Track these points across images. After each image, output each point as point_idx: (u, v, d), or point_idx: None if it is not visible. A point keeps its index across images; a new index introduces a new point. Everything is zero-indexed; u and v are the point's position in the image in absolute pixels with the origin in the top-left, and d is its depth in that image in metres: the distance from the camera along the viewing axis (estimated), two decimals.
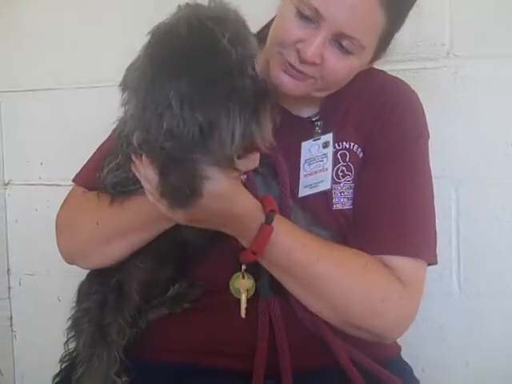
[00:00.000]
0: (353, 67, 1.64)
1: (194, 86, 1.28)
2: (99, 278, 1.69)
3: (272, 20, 1.73)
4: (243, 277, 1.63)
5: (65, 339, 1.74)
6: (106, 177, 1.58)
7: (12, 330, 2.85)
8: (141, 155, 1.41)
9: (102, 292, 1.66)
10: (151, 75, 1.31)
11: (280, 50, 1.62)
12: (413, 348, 1.87)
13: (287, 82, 1.63)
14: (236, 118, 1.31)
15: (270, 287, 1.63)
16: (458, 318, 2.18)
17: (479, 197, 2.14)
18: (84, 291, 1.72)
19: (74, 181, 1.89)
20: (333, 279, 1.57)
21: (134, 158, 1.45)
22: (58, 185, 2.65)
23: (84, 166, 1.92)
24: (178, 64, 1.29)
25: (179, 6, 1.38)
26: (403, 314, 1.63)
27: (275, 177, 1.62)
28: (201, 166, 1.35)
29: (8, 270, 2.82)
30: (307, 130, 1.76)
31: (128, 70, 1.42)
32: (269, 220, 1.50)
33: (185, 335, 1.71)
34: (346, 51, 1.57)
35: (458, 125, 2.11)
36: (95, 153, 1.89)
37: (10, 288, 2.83)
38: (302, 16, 1.57)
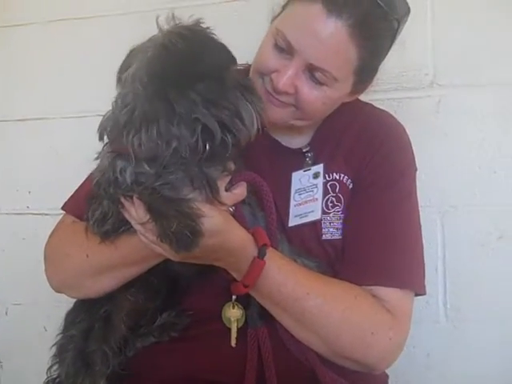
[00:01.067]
0: (329, 98, 1.66)
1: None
2: (86, 307, 1.68)
3: None
4: (233, 307, 1.64)
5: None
6: (93, 226, 1.58)
7: None
8: (131, 197, 1.42)
9: (89, 321, 1.65)
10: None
11: (259, 77, 1.68)
12: (400, 376, 1.87)
13: (269, 109, 1.65)
14: None
15: (259, 317, 1.64)
16: (444, 345, 2.18)
17: (464, 224, 2.16)
18: (70, 319, 1.72)
19: (63, 209, 1.89)
20: (323, 313, 1.57)
21: (123, 199, 1.46)
22: (46, 214, 2.65)
23: (73, 193, 1.91)
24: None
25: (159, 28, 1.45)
26: (392, 346, 1.64)
27: (262, 207, 1.63)
28: (194, 204, 1.38)
29: None
30: (298, 160, 1.79)
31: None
32: (261, 254, 1.51)
33: (173, 364, 1.71)
34: (318, 82, 1.61)
35: (441, 153, 2.14)
36: (85, 181, 1.89)
37: None
38: (278, 47, 1.63)
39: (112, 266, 1.61)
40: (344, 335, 1.58)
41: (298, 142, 1.82)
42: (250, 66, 1.78)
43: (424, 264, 1.73)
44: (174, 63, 1.37)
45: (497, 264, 2.14)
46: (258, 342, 1.62)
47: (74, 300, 1.76)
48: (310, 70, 1.60)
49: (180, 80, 1.38)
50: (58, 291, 1.80)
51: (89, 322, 1.65)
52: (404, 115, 1.97)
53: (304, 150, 1.80)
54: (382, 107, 1.97)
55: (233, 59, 1.48)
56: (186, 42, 1.38)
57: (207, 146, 1.40)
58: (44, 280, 2.53)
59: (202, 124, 1.39)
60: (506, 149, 2.12)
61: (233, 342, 1.62)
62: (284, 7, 1.70)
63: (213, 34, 1.45)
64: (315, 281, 1.60)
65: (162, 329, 1.73)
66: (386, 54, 1.71)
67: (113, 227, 1.54)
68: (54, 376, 1.73)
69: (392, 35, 1.67)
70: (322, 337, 1.59)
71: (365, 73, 1.68)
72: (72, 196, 1.91)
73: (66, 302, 1.76)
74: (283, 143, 1.81)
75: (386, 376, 1.84)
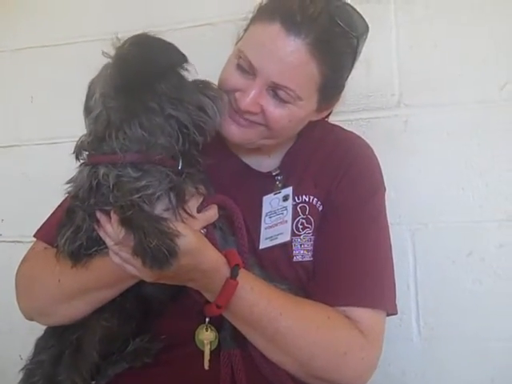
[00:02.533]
0: (295, 116, 1.68)
1: None
2: (58, 332, 1.66)
3: None
4: (207, 329, 1.63)
5: None
6: (63, 246, 1.56)
7: None
8: (108, 212, 1.43)
9: (59, 347, 1.63)
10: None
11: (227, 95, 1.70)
12: None
13: (234, 130, 1.69)
14: None
15: (232, 339, 1.64)
16: (419, 362, 2.19)
17: (434, 242, 2.18)
18: (41, 345, 1.70)
19: (35, 236, 1.87)
20: (296, 334, 1.58)
21: (99, 214, 1.47)
22: (19, 241, 2.63)
23: (45, 221, 1.90)
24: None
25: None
26: (365, 365, 1.65)
27: (233, 231, 1.64)
28: (172, 224, 1.39)
29: None
30: (268, 184, 1.80)
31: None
32: (234, 274, 1.51)
33: None
34: (282, 100, 1.63)
35: (410, 171, 2.17)
36: (57, 209, 1.89)
37: None
38: (241, 68, 1.66)
39: (85, 289, 1.60)
40: (317, 356, 1.59)
41: (267, 165, 1.84)
42: None
43: (395, 284, 1.74)
44: (134, 70, 1.45)
45: (467, 280, 2.16)
46: (232, 364, 1.63)
47: None
48: (273, 88, 1.62)
49: (143, 83, 1.46)
50: (29, 319, 1.78)
51: (59, 348, 1.63)
52: (372, 135, 1.99)
53: (274, 174, 1.81)
54: (350, 127, 2.02)
55: (184, 57, 1.53)
56: (139, 48, 1.46)
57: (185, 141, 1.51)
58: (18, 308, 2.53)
59: (176, 118, 1.49)
60: (472, 166, 2.15)
61: (206, 365, 1.61)
62: (246, 30, 1.73)
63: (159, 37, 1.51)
64: (288, 301, 1.61)
65: (134, 354, 1.72)
66: (349, 71, 1.73)
67: (86, 244, 1.53)
68: None
69: (353, 52, 1.69)
70: (296, 358, 1.59)
71: (328, 90, 1.70)
72: (44, 223, 1.90)
73: (41, 330, 1.74)
74: (253, 167, 1.83)
75: None
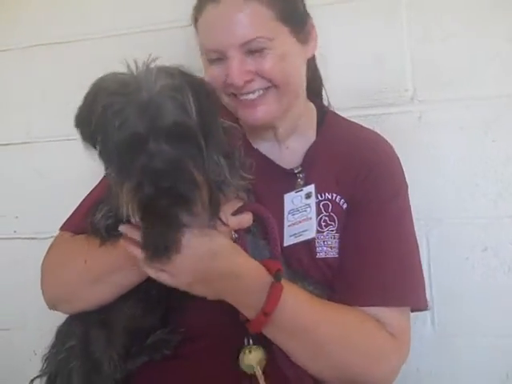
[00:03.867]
0: (283, 55, 1.71)
1: None
2: (81, 318, 1.67)
3: None
4: (250, 351, 1.60)
5: None
6: (99, 221, 1.54)
7: None
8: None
9: (85, 329, 1.64)
10: None
11: (226, 92, 1.75)
12: None
13: (255, 114, 1.73)
14: None
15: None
16: (433, 359, 2.18)
17: (449, 238, 2.17)
18: (64, 332, 1.70)
19: (61, 229, 1.87)
20: (335, 340, 1.59)
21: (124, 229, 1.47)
22: (34, 238, 2.65)
23: (71, 215, 1.90)
24: None
25: None
26: (396, 367, 1.68)
27: (264, 235, 1.64)
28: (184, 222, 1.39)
29: None
30: (290, 182, 1.81)
31: None
32: (278, 279, 1.51)
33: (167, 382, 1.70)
34: (259, 51, 1.68)
35: (424, 167, 2.16)
36: (83, 202, 1.89)
37: None
38: (214, 61, 1.73)
39: (111, 270, 1.60)
40: (354, 362, 1.61)
41: (288, 159, 1.85)
42: None
43: (423, 279, 1.77)
44: None
45: (482, 276, 2.15)
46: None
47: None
48: (246, 49, 1.68)
49: None
50: (52, 307, 1.78)
51: (86, 330, 1.63)
52: (385, 130, 1.98)
53: (296, 171, 1.82)
54: (363, 123, 2.00)
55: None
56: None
57: None
58: (32, 304, 2.54)
59: None
60: (486, 162, 2.14)
61: None
62: (197, 33, 1.80)
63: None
64: (326, 307, 1.62)
65: (154, 347, 1.72)
66: None
67: (116, 225, 1.51)
68: None
69: None
70: (332, 364, 1.61)
71: (290, 16, 1.74)
72: (69, 217, 1.90)
73: (56, 326, 1.75)
74: (276, 162, 1.83)
75: None
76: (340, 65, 2.12)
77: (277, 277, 1.52)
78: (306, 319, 1.57)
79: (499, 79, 2.13)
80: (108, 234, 1.53)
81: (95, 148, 1.40)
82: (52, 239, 2.32)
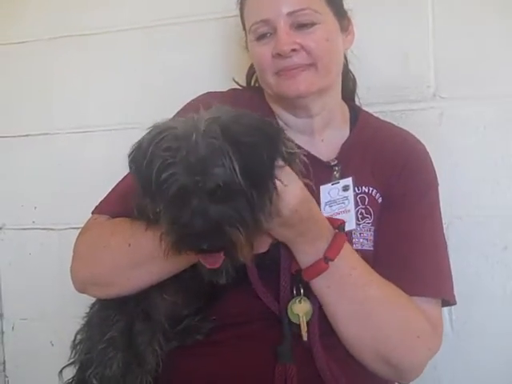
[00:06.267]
0: (327, 33, 1.76)
1: None
2: (119, 309, 1.64)
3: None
4: (300, 301, 1.62)
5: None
6: (149, 204, 1.49)
7: (5, 376, 2.83)
8: None
9: (126, 320, 1.62)
10: None
11: (272, 71, 1.78)
12: None
13: (295, 84, 1.75)
14: None
15: (289, 353, 1.60)
16: (451, 357, 2.16)
17: (469, 235, 2.16)
18: (99, 321, 1.67)
19: (94, 212, 1.84)
20: (383, 305, 1.62)
21: None
22: (52, 229, 2.67)
23: (104, 198, 1.86)
24: None
25: None
26: (429, 356, 1.69)
27: None
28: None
29: (1, 315, 2.80)
30: (326, 173, 1.82)
31: None
32: (342, 229, 1.59)
33: (195, 368, 1.68)
34: (306, 25, 1.73)
35: (445, 164, 2.12)
36: (116, 187, 1.86)
37: (2, 333, 2.81)
38: (262, 37, 1.78)
39: (153, 256, 1.54)
40: (394, 334, 1.62)
41: (324, 153, 1.85)
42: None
43: (451, 273, 1.78)
44: None
45: (502, 275, 2.14)
46: (286, 379, 1.58)
47: (79, 316, 1.74)
48: (293, 21, 1.72)
49: None
50: (82, 290, 1.74)
51: (127, 321, 1.62)
52: (407, 127, 1.98)
53: (332, 164, 1.83)
54: (385, 119, 2.01)
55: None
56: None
57: None
58: (50, 295, 2.57)
59: None
60: (508, 160, 2.13)
61: (304, 337, 1.60)
62: (241, 15, 1.88)
63: None
64: (375, 273, 1.64)
65: (185, 333, 1.71)
66: None
67: None
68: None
69: None
70: (373, 332, 1.61)
71: (335, 1, 1.81)
72: (102, 201, 1.86)
73: (72, 316, 1.74)
74: (312, 153, 1.82)
75: None
76: (363, 61, 2.10)
77: (341, 228, 1.59)
78: (359, 276, 1.59)
79: None
80: (156, 218, 1.49)
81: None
82: (70, 230, 2.35)
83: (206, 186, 1.31)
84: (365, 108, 2.02)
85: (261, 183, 1.35)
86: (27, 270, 2.72)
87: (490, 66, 2.14)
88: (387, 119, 2.02)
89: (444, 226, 1.90)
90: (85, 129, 2.62)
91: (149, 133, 1.39)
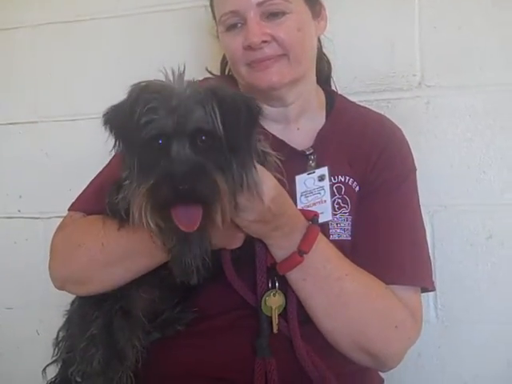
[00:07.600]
0: (298, 22, 1.75)
1: None
2: (98, 306, 1.64)
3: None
4: (274, 295, 1.62)
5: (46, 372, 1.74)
6: (119, 202, 1.49)
7: None
8: None
9: (104, 317, 1.62)
10: None
11: (243, 63, 1.77)
12: (391, 375, 1.88)
13: (267, 75, 1.75)
14: None
15: (268, 346, 1.61)
16: (435, 344, 2.19)
17: (453, 224, 2.17)
18: (79, 319, 1.68)
19: (70, 209, 1.84)
20: (359, 297, 1.62)
21: None
22: (37, 218, 2.65)
23: (80, 195, 1.86)
24: None
25: None
26: (408, 344, 1.71)
27: None
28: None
29: None
30: (301, 163, 1.80)
31: None
32: (315, 222, 1.58)
33: (176, 360, 1.69)
34: (277, 14, 1.73)
35: (431, 153, 2.15)
36: (92, 182, 1.86)
37: None
38: (230, 27, 1.78)
39: (128, 254, 1.58)
40: (371, 325, 1.63)
41: (299, 142, 1.84)
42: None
43: (431, 260, 1.79)
44: None
45: (486, 264, 2.15)
46: (266, 373, 1.59)
47: (65, 304, 1.75)
48: (264, 10, 1.72)
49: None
50: (60, 288, 1.74)
51: (106, 319, 1.62)
52: (393, 116, 1.98)
53: (307, 153, 1.81)
54: (370, 108, 2.01)
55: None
56: None
57: None
58: (36, 284, 2.56)
59: None
60: (494, 149, 2.13)
61: (275, 329, 1.61)
62: (212, 10, 1.87)
63: None
64: (354, 266, 1.64)
65: (166, 324, 1.72)
66: None
67: None
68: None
69: None
70: (351, 325, 1.62)
71: None
72: (79, 197, 1.86)
73: (57, 306, 1.74)
74: (287, 142, 1.82)
75: (382, 380, 1.88)
76: (348, 49, 2.11)
77: (314, 220, 1.58)
78: (334, 268, 1.59)
79: (508, 66, 2.12)
80: (128, 216, 1.46)
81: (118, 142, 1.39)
82: (55, 219, 2.33)
83: (186, 128, 1.31)
84: (350, 97, 2.01)
85: (239, 139, 1.34)
86: (12, 259, 2.70)
87: (477, 54, 2.14)
88: (373, 108, 2.02)
89: (429, 214, 1.92)
90: (71, 117, 2.60)
91: (129, 90, 1.38)
